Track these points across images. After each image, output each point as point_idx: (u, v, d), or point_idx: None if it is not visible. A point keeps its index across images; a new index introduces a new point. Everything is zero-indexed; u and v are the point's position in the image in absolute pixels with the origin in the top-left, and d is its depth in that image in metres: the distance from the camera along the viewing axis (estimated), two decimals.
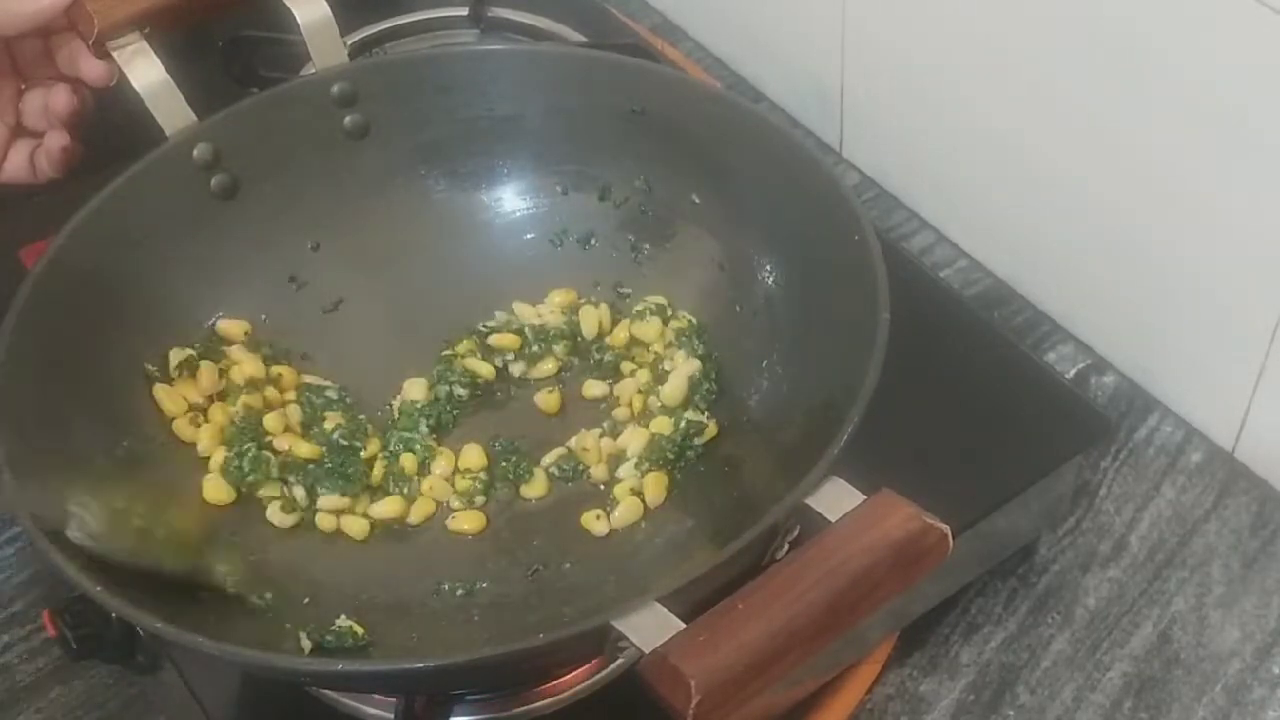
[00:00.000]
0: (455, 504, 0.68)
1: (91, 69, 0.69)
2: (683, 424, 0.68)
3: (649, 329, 0.71)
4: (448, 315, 0.74)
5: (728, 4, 1.02)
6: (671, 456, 0.67)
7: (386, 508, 0.67)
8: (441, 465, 0.68)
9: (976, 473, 0.70)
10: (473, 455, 0.69)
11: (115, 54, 0.68)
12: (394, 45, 0.95)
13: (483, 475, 0.68)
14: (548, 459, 0.69)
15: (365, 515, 0.67)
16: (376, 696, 0.64)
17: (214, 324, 0.71)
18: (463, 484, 0.68)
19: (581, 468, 0.68)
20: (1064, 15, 0.75)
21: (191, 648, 0.52)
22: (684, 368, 0.69)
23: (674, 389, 0.69)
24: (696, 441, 0.67)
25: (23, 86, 0.73)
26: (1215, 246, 0.74)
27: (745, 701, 0.47)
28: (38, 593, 0.75)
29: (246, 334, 0.71)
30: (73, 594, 0.63)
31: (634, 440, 0.68)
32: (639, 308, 0.72)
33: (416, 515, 0.67)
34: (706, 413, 0.68)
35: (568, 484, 0.68)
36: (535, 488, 0.68)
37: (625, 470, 0.67)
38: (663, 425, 0.68)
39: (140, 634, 0.65)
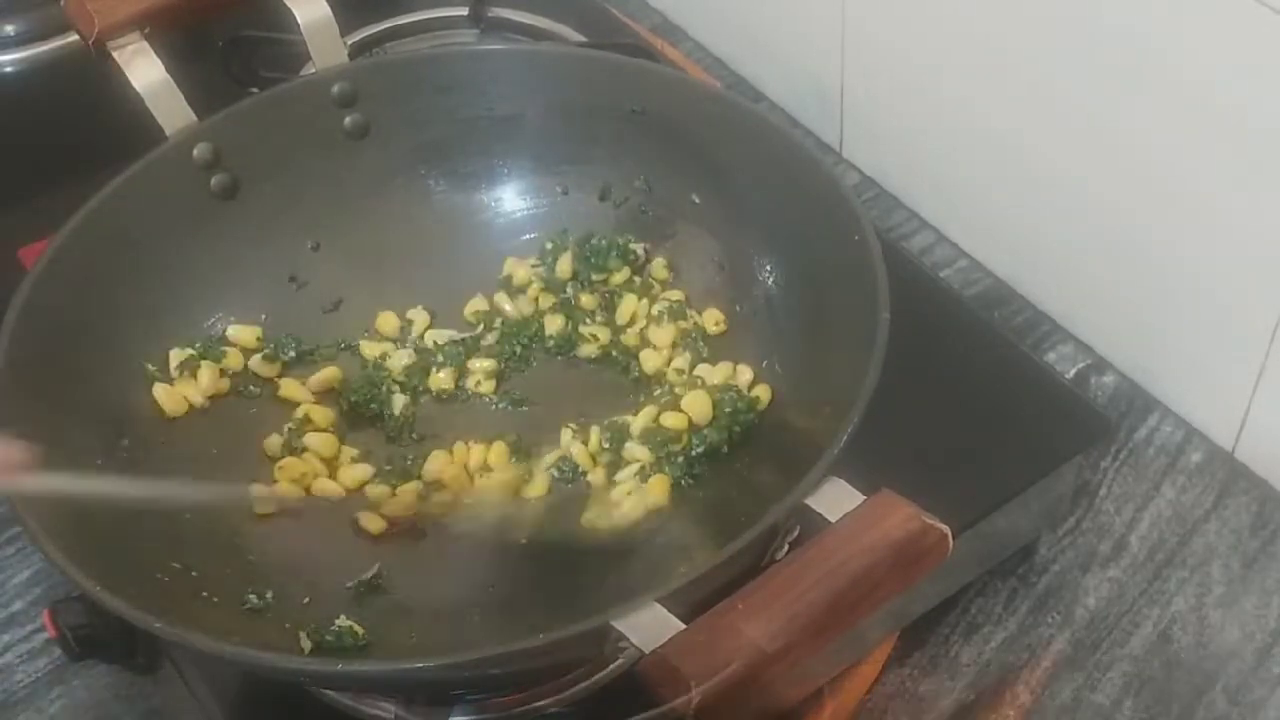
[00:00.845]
0: (468, 500, 0.67)
1: None
2: (700, 445, 0.67)
3: (663, 334, 0.71)
4: (447, 314, 0.74)
5: (728, 4, 1.02)
6: (679, 473, 0.67)
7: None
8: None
9: (976, 473, 0.70)
10: (498, 453, 0.69)
11: (115, 54, 0.68)
12: (394, 45, 0.95)
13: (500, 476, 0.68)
14: (548, 459, 0.69)
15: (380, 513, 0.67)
16: (377, 697, 0.64)
17: (215, 324, 0.71)
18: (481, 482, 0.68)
19: (581, 469, 0.68)
20: (1064, 15, 0.75)
21: (190, 647, 0.52)
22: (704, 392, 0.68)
23: (702, 408, 0.68)
24: (699, 451, 0.67)
25: None
26: (1215, 246, 0.74)
27: (745, 702, 0.47)
28: (38, 592, 0.74)
29: (259, 339, 0.72)
30: (73, 593, 0.63)
31: (640, 454, 0.68)
32: (658, 308, 0.72)
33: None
34: (729, 430, 0.67)
35: (567, 485, 0.68)
36: (535, 488, 0.68)
37: (625, 475, 0.67)
38: (677, 439, 0.67)
39: (140, 634, 0.64)
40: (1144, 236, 0.77)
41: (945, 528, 0.50)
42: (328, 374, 0.72)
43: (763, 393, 0.68)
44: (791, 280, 0.69)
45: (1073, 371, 0.83)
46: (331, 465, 0.69)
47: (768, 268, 0.71)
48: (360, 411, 0.71)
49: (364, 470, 0.68)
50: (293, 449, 0.69)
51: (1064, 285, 0.85)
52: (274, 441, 0.69)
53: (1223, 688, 0.70)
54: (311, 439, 0.69)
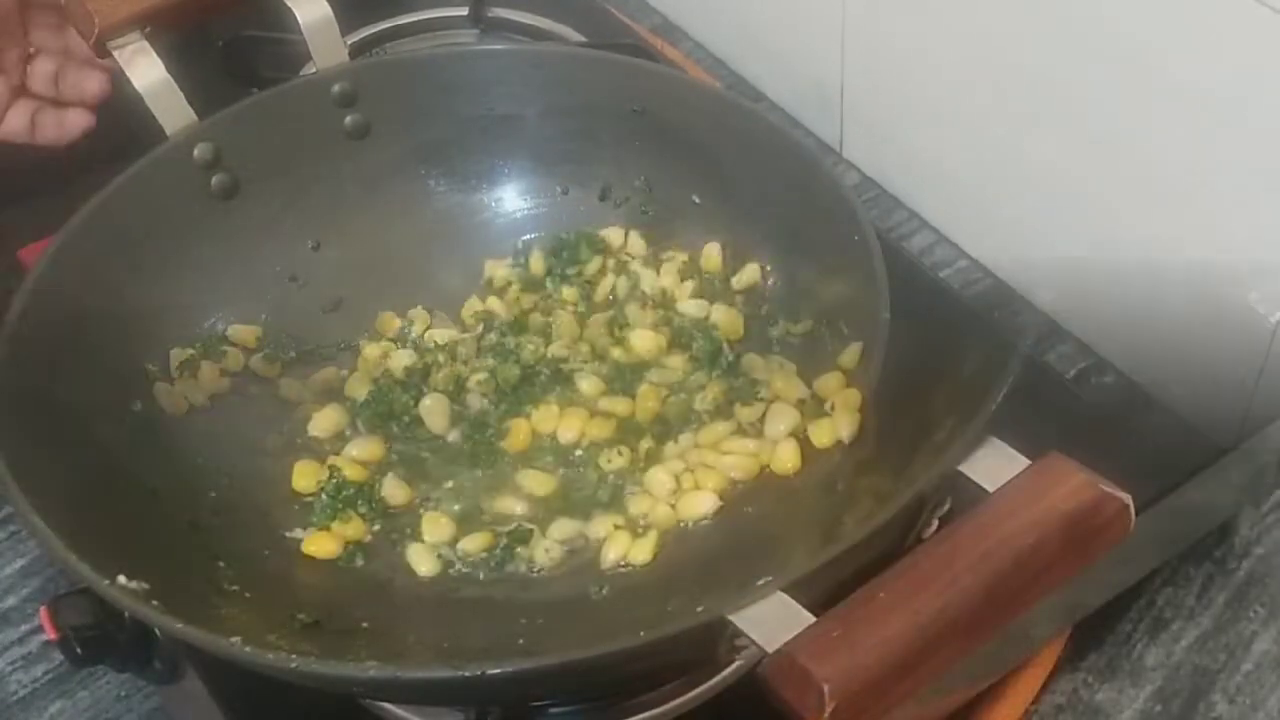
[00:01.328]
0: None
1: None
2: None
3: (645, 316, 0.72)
4: (447, 314, 0.74)
5: (728, 4, 1.02)
6: None
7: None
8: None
9: None
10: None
11: (115, 54, 0.68)
12: (394, 45, 0.95)
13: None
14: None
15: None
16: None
17: (215, 324, 0.71)
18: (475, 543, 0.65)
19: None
20: (1064, 15, 0.75)
21: (183, 639, 0.52)
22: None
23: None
24: None
25: (31, 51, 0.76)
26: (1215, 246, 0.74)
27: (886, 711, 0.41)
28: (34, 586, 0.72)
29: (259, 339, 0.71)
30: (75, 587, 0.58)
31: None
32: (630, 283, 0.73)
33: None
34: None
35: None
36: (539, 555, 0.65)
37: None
38: None
39: (158, 636, 0.60)
40: (1144, 237, 0.77)
41: (1126, 497, 0.44)
42: (328, 374, 0.72)
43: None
44: (792, 281, 0.70)
45: (1073, 371, 0.83)
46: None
47: (768, 268, 0.71)
48: (361, 412, 0.71)
49: (364, 470, 0.68)
50: (293, 449, 0.69)
51: (1064, 285, 0.85)
52: (274, 441, 0.69)
53: None
54: (312, 439, 0.69)
